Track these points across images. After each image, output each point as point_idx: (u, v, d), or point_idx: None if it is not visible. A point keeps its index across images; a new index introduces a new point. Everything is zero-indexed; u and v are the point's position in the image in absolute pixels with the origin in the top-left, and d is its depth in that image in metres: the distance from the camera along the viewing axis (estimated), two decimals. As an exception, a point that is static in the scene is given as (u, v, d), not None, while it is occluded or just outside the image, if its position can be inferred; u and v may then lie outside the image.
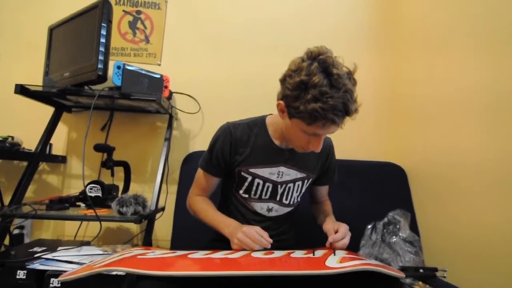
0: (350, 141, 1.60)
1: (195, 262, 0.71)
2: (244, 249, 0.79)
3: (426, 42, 1.45)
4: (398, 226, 1.25)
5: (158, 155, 1.39)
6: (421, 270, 1.04)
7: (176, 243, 1.27)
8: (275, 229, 0.99)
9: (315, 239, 0.88)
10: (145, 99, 1.21)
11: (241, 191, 0.98)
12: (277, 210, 0.99)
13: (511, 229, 1.00)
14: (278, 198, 0.98)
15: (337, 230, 0.84)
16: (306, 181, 1.01)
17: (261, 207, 0.98)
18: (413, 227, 1.34)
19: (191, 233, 1.11)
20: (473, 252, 1.13)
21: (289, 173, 0.97)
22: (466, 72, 1.21)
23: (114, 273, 0.90)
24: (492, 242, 1.07)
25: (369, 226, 1.26)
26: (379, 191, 1.44)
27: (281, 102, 0.83)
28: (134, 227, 1.47)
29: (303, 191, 1.03)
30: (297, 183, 0.99)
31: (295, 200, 1.02)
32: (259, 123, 0.98)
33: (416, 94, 1.50)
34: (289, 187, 0.98)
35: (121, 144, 1.41)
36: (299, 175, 0.99)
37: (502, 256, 1.02)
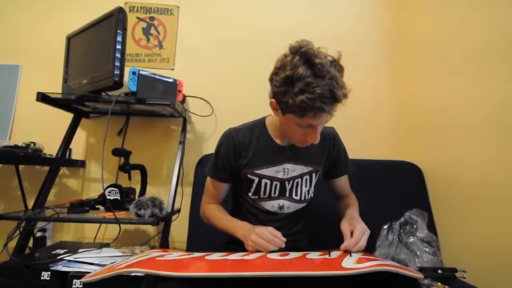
0: (366, 140, 1.59)
1: (212, 264, 0.72)
2: (259, 251, 0.80)
3: (442, 49, 1.42)
4: (415, 226, 1.23)
5: (173, 158, 1.41)
6: (439, 271, 1.02)
7: (192, 244, 1.29)
8: (289, 228, 1.00)
9: (330, 242, 0.88)
10: (159, 103, 1.24)
11: (250, 194, 0.99)
12: (289, 206, 1.00)
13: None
14: (287, 195, 0.99)
15: (353, 231, 0.82)
16: (314, 174, 1.01)
17: (272, 206, 0.99)
18: (431, 226, 1.31)
19: (207, 235, 1.12)
20: (493, 251, 1.10)
21: (294, 169, 0.98)
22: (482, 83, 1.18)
23: (133, 274, 0.92)
24: (509, 244, 1.04)
25: (385, 226, 1.24)
26: (395, 191, 1.41)
27: (273, 100, 0.85)
28: (151, 229, 1.51)
29: (313, 185, 1.03)
30: (304, 178, 1.00)
31: (306, 196, 1.02)
32: (259, 125, 1.00)
33: (433, 94, 1.47)
34: (297, 182, 0.99)
35: (137, 148, 1.44)
36: (305, 169, 0.99)
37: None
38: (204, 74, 1.59)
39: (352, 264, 0.66)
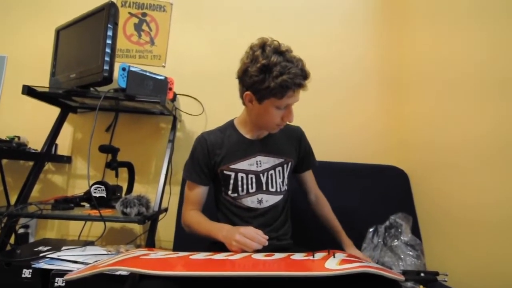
0: (353, 144, 1.61)
1: (196, 263, 0.72)
2: (244, 251, 0.80)
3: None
4: (399, 230, 1.25)
5: (161, 157, 1.40)
6: (422, 274, 1.04)
7: (179, 244, 1.28)
8: (271, 223, 1.02)
9: (313, 238, 0.89)
10: (149, 101, 1.23)
11: (229, 192, 1.01)
12: (268, 200, 1.02)
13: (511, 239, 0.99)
14: (264, 188, 1.02)
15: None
16: (285, 166, 1.06)
17: (251, 201, 1.01)
18: (415, 230, 1.34)
19: (193, 236, 1.12)
20: (475, 256, 1.13)
21: (266, 161, 1.03)
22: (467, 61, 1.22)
23: (117, 272, 0.91)
24: (494, 246, 1.06)
25: (371, 229, 1.26)
26: (381, 194, 1.44)
27: (248, 92, 0.94)
28: (137, 228, 1.49)
29: (285, 176, 1.06)
30: (277, 169, 1.04)
31: (281, 187, 1.05)
32: (228, 126, 1.08)
33: (420, 96, 1.50)
34: (271, 174, 1.03)
35: (126, 145, 1.42)
36: (277, 161, 1.05)
37: (505, 260, 1.02)
38: (196, 73, 1.58)
39: (335, 265, 0.67)
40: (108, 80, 1.17)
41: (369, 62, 1.66)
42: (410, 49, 1.59)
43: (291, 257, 0.76)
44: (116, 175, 1.31)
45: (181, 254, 0.78)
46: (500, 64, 1.07)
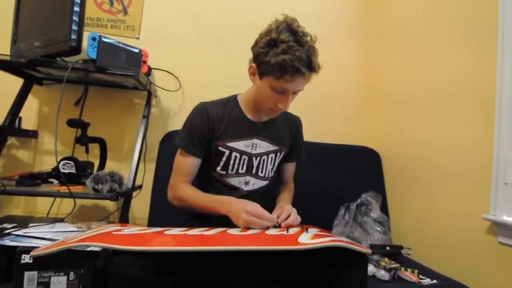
0: (329, 126, 1.65)
1: (171, 238, 0.71)
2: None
3: (406, 36, 1.48)
4: (369, 207, 1.31)
5: (135, 133, 1.35)
6: (387, 248, 1.11)
7: (154, 222, 1.27)
8: None
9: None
10: (122, 73, 1.17)
11: (218, 168, 1.00)
12: (254, 183, 1.03)
13: (468, 217, 1.07)
14: (254, 171, 1.02)
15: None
16: (278, 154, 1.06)
17: (239, 181, 1.01)
18: (384, 208, 1.41)
19: (169, 212, 1.10)
20: (435, 232, 1.22)
21: (262, 145, 1.02)
22: (436, 72, 1.27)
23: (89, 249, 0.89)
24: (451, 225, 1.15)
25: (343, 207, 1.31)
26: (354, 174, 1.49)
27: (253, 64, 0.92)
28: (110, 205, 1.46)
29: (276, 164, 1.07)
30: (270, 156, 1.04)
31: (270, 174, 1.06)
32: (231, 101, 1.04)
33: (394, 84, 1.54)
34: (263, 160, 1.03)
35: (97, 121, 1.36)
36: (271, 147, 1.04)
37: (460, 237, 1.11)
38: (172, 46, 1.52)
39: (308, 239, 0.69)
40: (77, 50, 1.09)
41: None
42: (388, 61, 1.62)
43: (266, 232, 0.77)
44: (87, 151, 1.26)
45: (155, 229, 0.77)
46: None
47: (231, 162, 0.99)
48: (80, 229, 1.03)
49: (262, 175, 1.03)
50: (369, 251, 0.73)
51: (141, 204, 1.36)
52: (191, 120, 0.99)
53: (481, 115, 1.06)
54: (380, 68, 1.65)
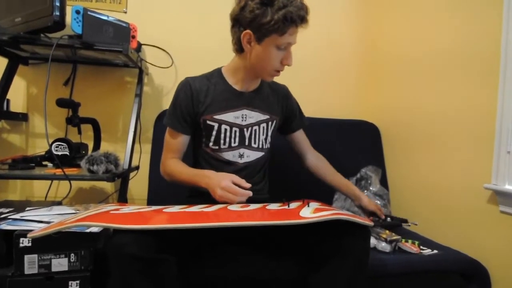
0: (327, 100, 1.62)
1: (171, 216, 0.70)
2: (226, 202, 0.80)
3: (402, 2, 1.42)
4: (369, 181, 1.31)
5: (129, 113, 1.31)
6: (388, 219, 1.11)
7: (152, 202, 1.26)
8: (250, 178, 1.00)
9: (288, 191, 0.90)
10: (110, 49, 1.11)
11: (210, 143, 0.99)
12: (249, 155, 1.01)
13: (469, 186, 1.07)
14: (247, 143, 1.01)
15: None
16: (270, 123, 1.04)
17: (233, 155, 1.00)
18: (383, 181, 1.41)
19: (168, 191, 1.09)
20: (435, 203, 1.22)
21: (252, 116, 1.00)
22: (436, 36, 1.22)
23: (88, 230, 0.88)
24: (451, 196, 1.15)
25: (343, 181, 1.30)
26: (354, 148, 1.47)
27: (247, 31, 0.88)
28: (108, 186, 1.44)
29: (269, 134, 1.05)
30: (261, 126, 1.02)
31: (264, 144, 1.04)
32: (215, 74, 1.02)
33: (391, 51, 1.50)
34: (255, 130, 1.01)
35: (88, 100, 1.32)
36: (262, 117, 1.02)
37: (461, 207, 1.11)
38: (163, 20, 1.44)
39: (309, 213, 0.68)
40: (61, 25, 1.03)
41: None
42: (386, 28, 1.55)
43: (267, 207, 0.76)
44: (79, 132, 1.23)
45: (154, 207, 0.76)
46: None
47: (222, 135, 0.98)
48: (77, 211, 1.02)
49: (256, 146, 1.02)
50: (371, 223, 0.73)
51: (139, 185, 1.35)
52: (176, 97, 0.98)
53: (484, 81, 1.02)
54: (376, 35, 1.60)
